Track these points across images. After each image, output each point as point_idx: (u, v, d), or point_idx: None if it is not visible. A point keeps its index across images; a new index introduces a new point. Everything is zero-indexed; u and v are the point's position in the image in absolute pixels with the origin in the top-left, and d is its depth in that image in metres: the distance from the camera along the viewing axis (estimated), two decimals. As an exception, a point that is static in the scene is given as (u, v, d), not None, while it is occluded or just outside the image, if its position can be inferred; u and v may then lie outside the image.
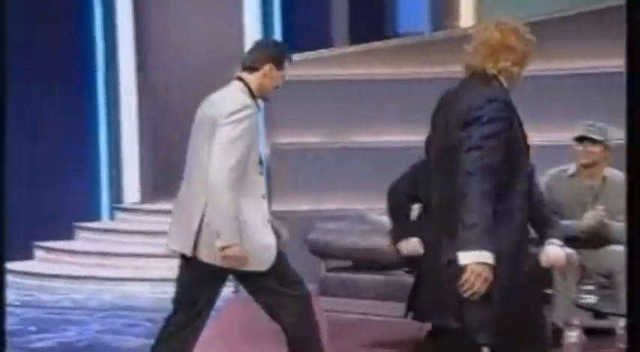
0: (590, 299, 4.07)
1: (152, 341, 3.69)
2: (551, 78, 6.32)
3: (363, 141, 6.81)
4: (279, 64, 3.68)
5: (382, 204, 4.97)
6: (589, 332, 4.52)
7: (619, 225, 4.56)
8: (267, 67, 3.65)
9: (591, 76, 6.24)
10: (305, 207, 6.64)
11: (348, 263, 4.92)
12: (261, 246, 3.56)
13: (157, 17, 8.66)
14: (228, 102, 3.59)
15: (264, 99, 3.76)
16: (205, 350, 4.73)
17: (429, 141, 3.29)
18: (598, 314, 4.37)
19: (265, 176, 6.90)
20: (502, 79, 3.14)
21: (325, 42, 7.52)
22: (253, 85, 3.65)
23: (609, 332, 4.33)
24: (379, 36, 7.32)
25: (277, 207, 6.67)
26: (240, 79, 3.68)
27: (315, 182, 6.67)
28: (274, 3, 8.14)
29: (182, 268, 3.75)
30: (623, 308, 3.75)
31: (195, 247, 3.57)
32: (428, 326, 3.97)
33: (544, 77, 6.12)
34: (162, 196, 8.50)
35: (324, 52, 6.94)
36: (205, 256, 3.56)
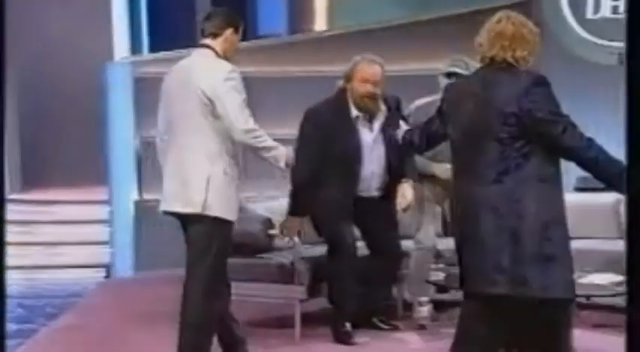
0: (439, 276, 4.51)
1: (25, 326, 3.83)
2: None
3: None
4: (236, 28, 3.98)
5: (251, 193, 5.44)
6: (437, 305, 5.01)
7: None
8: (228, 32, 3.93)
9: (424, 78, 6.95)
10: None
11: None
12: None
13: (22, 14, 8.84)
14: (217, 71, 3.84)
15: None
16: (81, 335, 5.08)
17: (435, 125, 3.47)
18: (443, 289, 4.83)
19: (136, 166, 7.42)
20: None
21: (191, 41, 7.92)
22: (219, 50, 3.92)
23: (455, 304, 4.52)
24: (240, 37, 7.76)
25: (148, 195, 7.13)
26: (206, 46, 3.93)
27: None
28: (141, 2, 8.36)
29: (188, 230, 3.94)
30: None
31: (204, 205, 3.79)
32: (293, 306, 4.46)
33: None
34: (31, 186, 8.78)
35: (189, 51, 7.31)
36: (217, 211, 3.83)
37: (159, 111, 4.08)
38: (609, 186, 3.21)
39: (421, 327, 4.94)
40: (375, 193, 4.80)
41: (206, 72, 3.86)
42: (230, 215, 3.88)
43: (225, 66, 3.87)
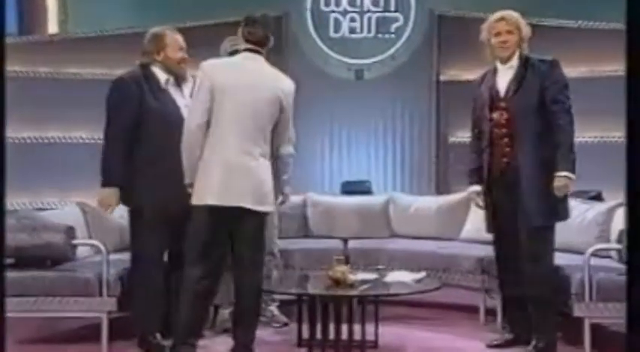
0: None
1: None
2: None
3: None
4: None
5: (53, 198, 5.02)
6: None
7: None
8: (269, 44, 4.23)
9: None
10: None
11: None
12: None
13: None
14: (287, 83, 4.18)
15: None
16: None
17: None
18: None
19: None
20: None
21: None
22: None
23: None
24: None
25: None
26: (259, 52, 4.18)
27: None
28: None
29: (229, 224, 4.04)
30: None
31: (261, 201, 4.01)
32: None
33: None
34: None
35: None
36: (266, 207, 4.07)
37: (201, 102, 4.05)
38: None
39: (225, 331, 4.98)
40: None
41: (281, 81, 4.17)
42: None
43: (289, 79, 4.23)
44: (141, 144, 4.41)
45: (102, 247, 4.53)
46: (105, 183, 4.43)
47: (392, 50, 7.42)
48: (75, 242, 4.64)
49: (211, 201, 3.99)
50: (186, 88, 4.64)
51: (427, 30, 7.43)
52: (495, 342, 4.65)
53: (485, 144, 4.54)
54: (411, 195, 6.65)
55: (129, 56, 6.80)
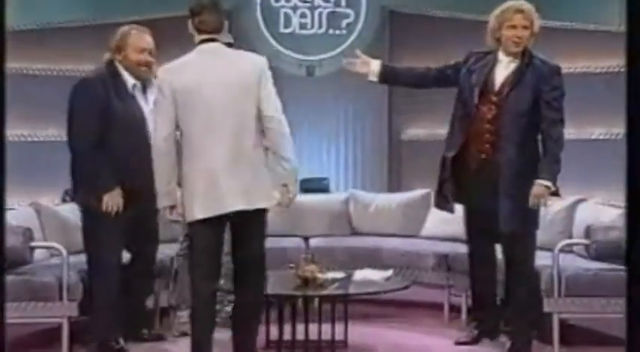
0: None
1: None
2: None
3: None
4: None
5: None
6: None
7: None
8: (225, 28, 3.94)
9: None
10: None
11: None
12: None
13: None
14: (255, 57, 3.86)
15: None
16: None
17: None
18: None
19: None
20: None
21: None
22: None
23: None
24: None
25: None
26: (217, 40, 3.85)
27: None
28: None
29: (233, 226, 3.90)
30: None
31: (255, 199, 3.78)
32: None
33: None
34: None
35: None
36: (264, 203, 3.85)
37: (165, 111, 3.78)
38: None
39: (184, 334, 4.86)
40: None
41: (248, 60, 3.86)
42: None
43: (257, 55, 4.00)
44: (104, 146, 4.27)
45: (62, 250, 4.37)
46: (105, 189, 4.28)
47: (343, 46, 7.35)
48: (33, 244, 4.46)
49: (201, 214, 3.76)
50: (151, 94, 4.48)
51: (378, 26, 7.39)
52: (463, 339, 4.64)
53: (459, 130, 4.37)
54: (369, 192, 6.60)
55: (78, 51, 6.71)
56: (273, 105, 3.79)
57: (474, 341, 4.61)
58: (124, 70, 4.43)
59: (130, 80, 4.43)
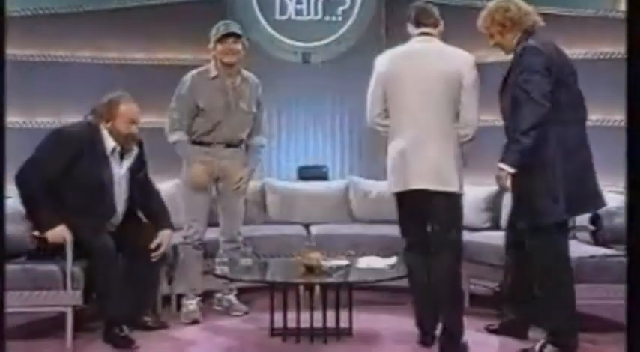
0: (224, 269, 4.60)
1: None
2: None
3: None
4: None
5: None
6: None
7: None
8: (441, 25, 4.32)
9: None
10: None
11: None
12: None
13: None
14: (465, 55, 4.16)
15: None
16: None
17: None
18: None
19: None
20: None
21: None
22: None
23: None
24: None
25: None
26: (431, 34, 4.25)
27: None
28: None
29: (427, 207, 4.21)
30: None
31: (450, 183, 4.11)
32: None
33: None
34: None
35: None
36: (452, 187, 4.15)
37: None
38: None
39: (194, 322, 4.87)
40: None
41: (447, 55, 4.20)
42: None
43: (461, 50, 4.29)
44: (56, 197, 4.35)
45: (67, 236, 4.33)
46: (49, 227, 4.32)
47: (339, 33, 7.31)
48: (36, 233, 4.40)
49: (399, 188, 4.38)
50: (127, 161, 4.58)
51: (375, 13, 7.35)
52: (492, 327, 4.62)
53: None
54: (367, 179, 6.59)
55: (70, 38, 6.65)
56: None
57: (503, 330, 4.55)
58: (108, 134, 4.49)
59: (110, 144, 4.50)
